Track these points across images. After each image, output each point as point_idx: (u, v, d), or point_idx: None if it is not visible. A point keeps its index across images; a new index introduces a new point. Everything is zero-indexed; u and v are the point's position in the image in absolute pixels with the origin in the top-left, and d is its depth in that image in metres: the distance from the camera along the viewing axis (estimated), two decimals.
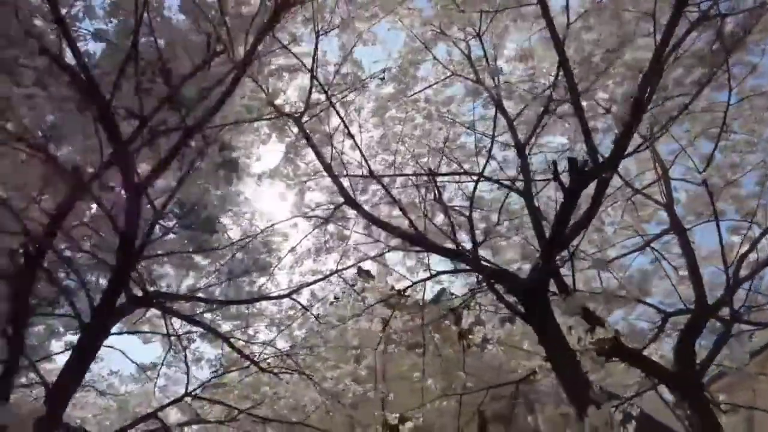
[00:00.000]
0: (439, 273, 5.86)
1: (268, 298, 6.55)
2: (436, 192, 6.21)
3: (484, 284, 5.78)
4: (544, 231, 5.37)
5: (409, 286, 5.91)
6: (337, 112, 5.47)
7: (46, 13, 3.88)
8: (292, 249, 6.57)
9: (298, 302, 6.85)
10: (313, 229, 6.40)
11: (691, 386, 4.82)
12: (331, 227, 6.53)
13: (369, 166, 5.42)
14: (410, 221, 5.27)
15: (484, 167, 6.04)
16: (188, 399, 4.85)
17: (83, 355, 4.30)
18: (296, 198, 7.21)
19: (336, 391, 6.95)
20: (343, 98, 5.89)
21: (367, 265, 7.95)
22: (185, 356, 5.58)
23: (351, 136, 5.50)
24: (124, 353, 5.89)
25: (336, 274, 7.09)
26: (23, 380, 5.99)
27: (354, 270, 7.46)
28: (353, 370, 7.50)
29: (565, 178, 4.49)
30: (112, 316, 4.59)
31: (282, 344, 7.41)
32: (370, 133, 6.80)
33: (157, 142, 4.56)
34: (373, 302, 7.53)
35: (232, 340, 6.33)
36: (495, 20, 6.02)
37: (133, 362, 6.31)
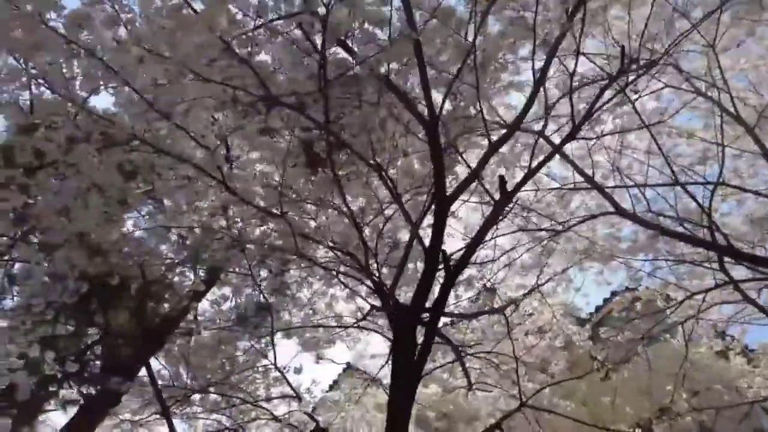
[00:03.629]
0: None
1: (490, 311, 6.58)
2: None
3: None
4: None
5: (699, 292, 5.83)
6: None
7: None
8: (511, 263, 6.64)
9: (505, 317, 6.89)
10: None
11: None
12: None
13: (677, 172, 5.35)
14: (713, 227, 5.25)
15: (719, 175, 6.02)
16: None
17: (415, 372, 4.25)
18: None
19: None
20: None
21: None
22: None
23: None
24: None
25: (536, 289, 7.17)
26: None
27: (553, 283, 7.49)
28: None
29: None
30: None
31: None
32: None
33: None
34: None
35: None
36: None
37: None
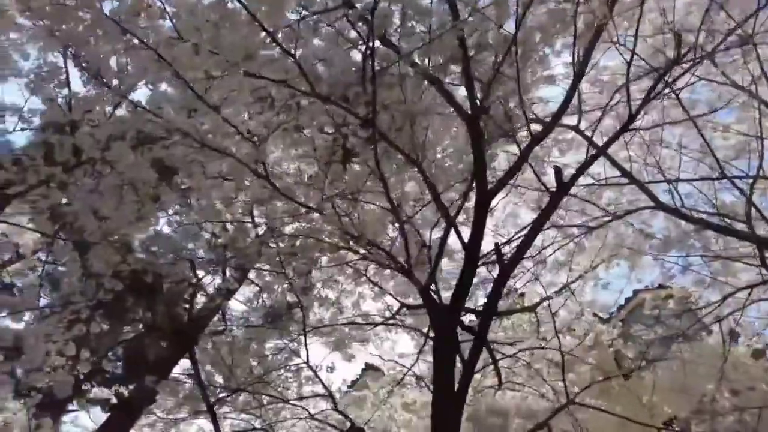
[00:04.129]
0: None
1: (523, 309, 6.50)
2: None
3: None
4: None
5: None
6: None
7: None
8: (543, 261, 6.53)
9: (536, 315, 6.79)
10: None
11: None
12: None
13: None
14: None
15: (758, 168, 5.88)
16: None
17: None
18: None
19: None
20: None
21: None
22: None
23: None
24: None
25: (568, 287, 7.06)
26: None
27: (582, 281, 7.37)
28: None
29: None
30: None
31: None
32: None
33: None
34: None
35: None
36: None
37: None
